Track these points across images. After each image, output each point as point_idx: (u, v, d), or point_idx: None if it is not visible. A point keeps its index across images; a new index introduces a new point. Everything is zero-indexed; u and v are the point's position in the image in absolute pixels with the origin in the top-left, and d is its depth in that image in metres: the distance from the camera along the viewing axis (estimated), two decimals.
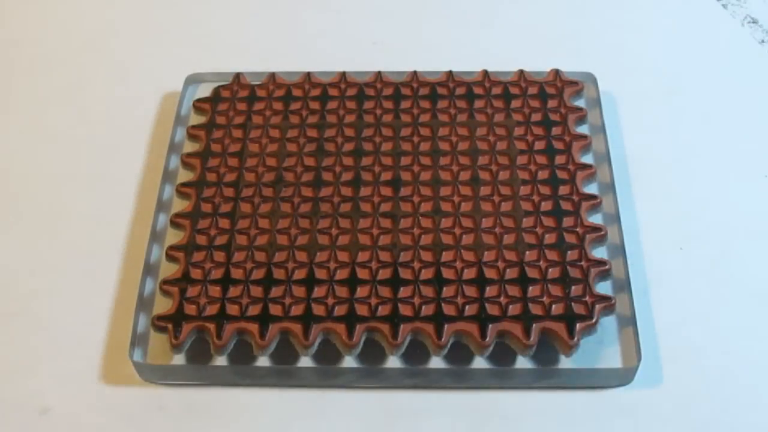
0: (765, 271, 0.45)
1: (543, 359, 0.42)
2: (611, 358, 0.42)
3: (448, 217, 0.45)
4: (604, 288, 0.43)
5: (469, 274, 0.42)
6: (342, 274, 0.43)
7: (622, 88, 0.53)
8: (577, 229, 0.44)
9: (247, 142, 0.48)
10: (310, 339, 0.41)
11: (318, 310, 0.41)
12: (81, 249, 0.47)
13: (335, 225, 0.45)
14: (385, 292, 0.42)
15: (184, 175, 0.48)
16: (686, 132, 0.52)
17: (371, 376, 0.42)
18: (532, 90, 0.50)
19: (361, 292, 0.42)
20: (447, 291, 0.42)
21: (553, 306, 0.41)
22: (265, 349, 0.41)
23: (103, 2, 0.61)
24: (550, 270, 0.42)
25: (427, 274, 0.43)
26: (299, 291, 0.42)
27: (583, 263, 0.43)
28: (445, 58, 0.54)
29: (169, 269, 0.44)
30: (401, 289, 0.42)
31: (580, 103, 0.51)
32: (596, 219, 0.46)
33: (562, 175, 0.46)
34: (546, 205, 0.45)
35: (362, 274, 0.43)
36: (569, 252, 0.43)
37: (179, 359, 0.42)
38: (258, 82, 0.52)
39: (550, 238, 0.44)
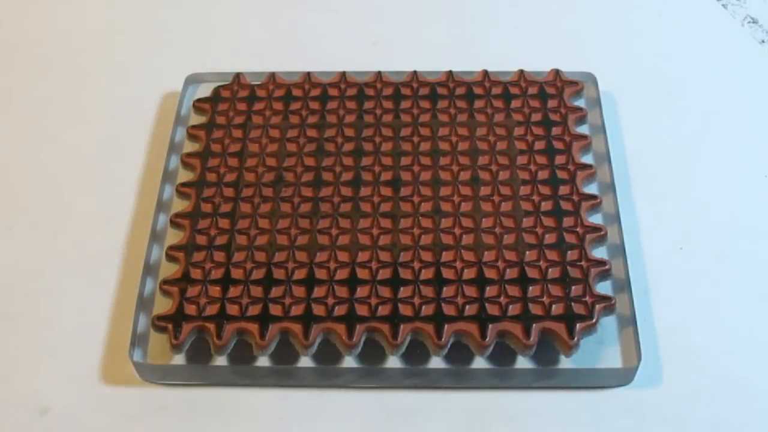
0: (765, 271, 0.45)
1: (543, 359, 0.42)
2: (611, 358, 0.42)
3: (448, 217, 0.45)
4: (604, 288, 0.43)
5: (469, 274, 0.42)
6: (342, 274, 0.43)
7: (622, 88, 0.53)
8: (577, 229, 0.44)
9: (247, 142, 0.48)
10: (310, 339, 0.41)
11: (318, 310, 0.41)
12: (81, 249, 0.47)
13: (335, 225, 0.45)
14: (385, 292, 0.42)
15: (184, 175, 0.48)
16: (686, 132, 0.52)
17: (371, 376, 0.42)
18: (532, 90, 0.50)
19: (361, 292, 0.42)
20: (447, 291, 0.42)
21: (553, 306, 0.41)
22: (265, 349, 0.41)
23: (103, 2, 0.61)
24: (550, 270, 0.42)
25: (427, 274, 0.43)
26: (299, 291, 0.42)
27: (583, 263, 0.43)
28: (445, 58, 0.54)
29: (169, 269, 0.44)
30: (401, 289, 0.42)
31: (580, 103, 0.51)
32: (596, 219, 0.46)
33: (562, 175, 0.46)
34: (546, 205, 0.45)
35: (362, 274, 0.43)
36: (569, 252, 0.43)
37: (179, 359, 0.42)
38: (258, 82, 0.52)
39: (550, 238, 0.44)
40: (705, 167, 0.50)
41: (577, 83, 0.51)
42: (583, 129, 0.50)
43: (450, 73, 0.51)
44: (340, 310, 0.41)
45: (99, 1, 0.61)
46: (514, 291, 0.42)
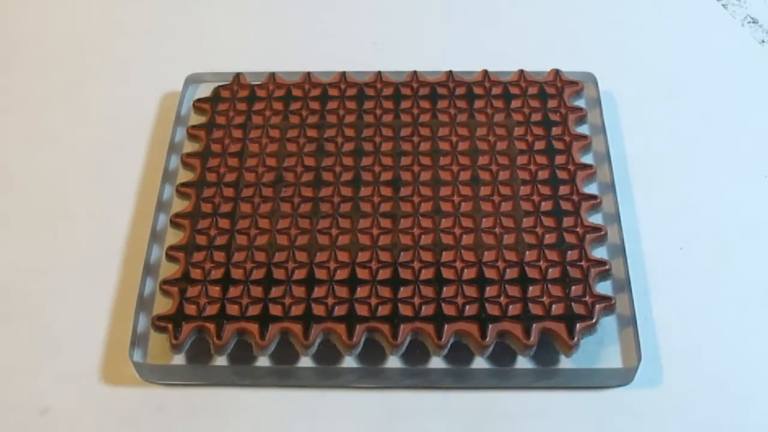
0: (765, 271, 0.45)
1: (543, 359, 0.42)
2: (611, 358, 0.42)
3: (448, 217, 0.45)
4: (604, 288, 0.43)
5: (469, 274, 0.42)
6: (342, 274, 0.43)
7: (622, 88, 0.53)
8: (577, 229, 0.44)
9: (247, 142, 0.48)
10: (310, 339, 0.41)
11: (318, 310, 0.41)
12: (81, 249, 0.47)
13: (335, 225, 0.45)
14: (385, 292, 0.42)
15: (184, 175, 0.48)
16: (686, 132, 0.52)
17: (371, 376, 0.42)
18: (532, 90, 0.50)
19: (361, 292, 0.42)
20: (447, 291, 0.42)
21: (553, 306, 0.41)
22: (265, 349, 0.41)
23: (103, 2, 0.61)
24: (550, 270, 0.42)
25: (427, 274, 0.43)
26: (299, 291, 0.42)
27: (583, 263, 0.43)
28: (445, 58, 0.54)
29: (169, 269, 0.44)
30: (401, 289, 0.42)
31: (580, 103, 0.51)
32: (596, 219, 0.46)
33: (562, 175, 0.46)
34: (546, 205, 0.45)
35: (362, 274, 0.43)
36: (569, 252, 0.43)
37: (179, 359, 0.42)
38: (258, 82, 0.52)
39: (550, 238, 0.44)
40: (705, 167, 0.50)
41: (577, 83, 0.51)
42: (583, 129, 0.50)
43: (450, 73, 0.51)
44: (340, 310, 0.41)
45: (99, 1, 0.61)
46: (514, 291, 0.42)
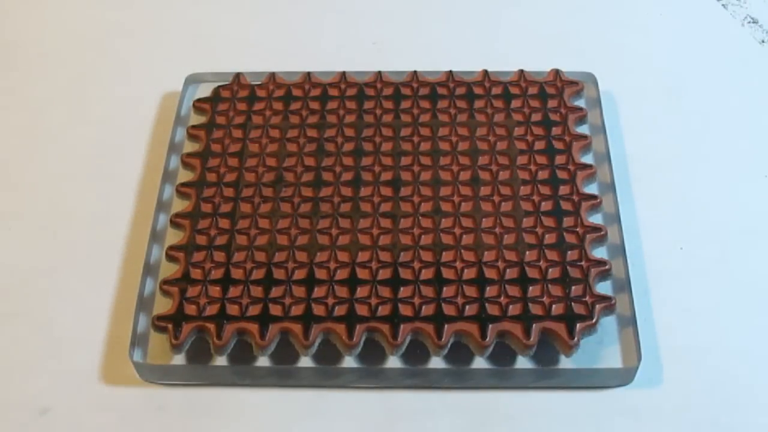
0: (765, 271, 0.45)
1: (543, 359, 0.42)
2: (611, 358, 0.42)
3: (448, 217, 0.45)
4: (604, 288, 0.43)
5: (469, 274, 0.42)
6: (342, 274, 0.43)
7: (622, 88, 0.53)
8: (577, 229, 0.44)
9: (247, 142, 0.48)
10: (310, 339, 0.41)
11: (318, 310, 0.41)
12: (81, 249, 0.47)
13: (335, 225, 0.45)
14: (385, 292, 0.42)
15: (184, 175, 0.48)
16: (686, 132, 0.52)
17: (371, 376, 0.42)
18: (532, 90, 0.50)
19: (361, 292, 0.42)
20: (447, 291, 0.42)
21: (553, 306, 0.41)
22: (265, 349, 0.41)
23: (103, 2, 0.61)
24: (550, 270, 0.42)
25: (427, 274, 0.43)
26: (299, 291, 0.42)
27: (583, 263, 0.43)
28: (445, 58, 0.54)
29: (169, 269, 0.44)
30: (401, 289, 0.42)
31: (580, 103, 0.51)
32: (596, 219, 0.46)
33: (562, 175, 0.46)
34: (546, 205, 0.45)
35: (362, 274, 0.43)
36: (569, 252, 0.43)
37: (179, 359, 0.42)
38: (258, 82, 0.52)
39: (550, 238, 0.44)
40: (705, 167, 0.50)
41: (577, 83, 0.51)
42: (583, 129, 0.50)
43: (450, 73, 0.51)
44: (340, 310, 0.41)
45: (99, 1, 0.61)
46: (514, 291, 0.42)
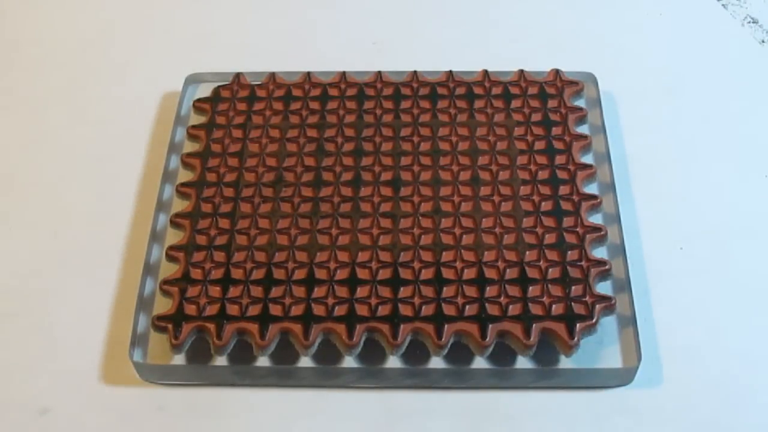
0: (765, 271, 0.45)
1: (543, 359, 0.42)
2: (611, 358, 0.42)
3: (448, 217, 0.45)
4: (604, 288, 0.43)
5: (469, 274, 0.42)
6: (342, 274, 0.43)
7: (622, 88, 0.53)
8: (577, 229, 0.44)
9: (247, 142, 0.48)
10: (310, 339, 0.41)
11: (318, 310, 0.41)
12: (81, 249, 0.47)
13: (335, 225, 0.45)
14: (385, 292, 0.42)
15: (184, 175, 0.48)
16: (686, 132, 0.52)
17: (371, 376, 0.42)
18: (532, 90, 0.50)
19: (361, 292, 0.42)
20: (447, 291, 0.42)
21: (553, 306, 0.41)
22: (265, 349, 0.41)
23: (103, 2, 0.61)
24: (550, 270, 0.42)
25: (427, 274, 0.43)
26: (299, 291, 0.42)
27: (583, 263, 0.43)
28: (445, 58, 0.54)
29: (169, 269, 0.44)
30: (401, 289, 0.42)
31: (580, 103, 0.51)
32: (596, 219, 0.46)
33: (562, 175, 0.46)
34: (546, 205, 0.45)
35: (362, 274, 0.43)
36: (569, 252, 0.43)
37: (179, 359, 0.42)
38: (258, 82, 0.52)
39: (550, 238, 0.44)
40: (705, 167, 0.50)
41: (577, 83, 0.51)
42: (583, 129, 0.50)
43: (450, 73, 0.51)
44: (340, 310, 0.41)
45: (99, 1, 0.61)
46: (514, 291, 0.42)
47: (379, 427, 0.41)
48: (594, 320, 0.41)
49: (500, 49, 0.56)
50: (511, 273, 0.42)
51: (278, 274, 0.43)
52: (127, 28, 0.59)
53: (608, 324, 0.43)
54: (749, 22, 0.58)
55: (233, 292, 0.42)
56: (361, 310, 0.41)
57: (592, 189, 0.47)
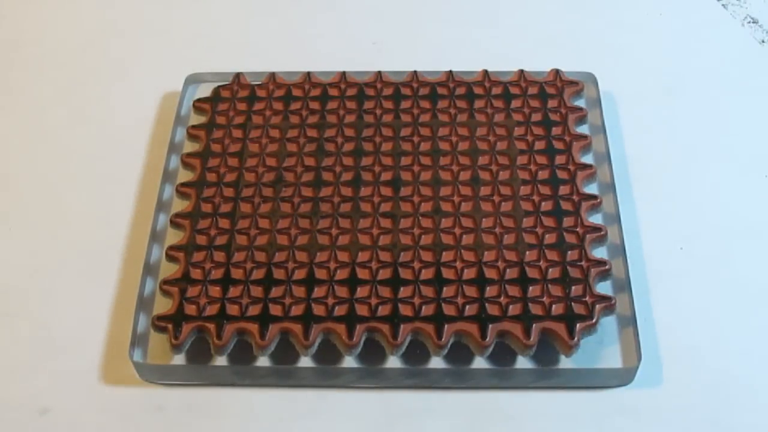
0: (765, 271, 0.45)
1: (543, 359, 0.42)
2: (611, 358, 0.42)
3: (448, 217, 0.45)
4: (604, 288, 0.43)
5: (469, 274, 0.42)
6: (342, 274, 0.43)
7: (622, 88, 0.53)
8: (577, 229, 0.44)
9: (247, 142, 0.48)
10: (310, 339, 0.41)
11: (318, 310, 0.41)
12: (81, 249, 0.47)
13: (335, 225, 0.45)
14: (385, 292, 0.42)
15: (184, 175, 0.48)
16: (686, 132, 0.52)
17: (371, 376, 0.42)
18: (532, 90, 0.50)
19: (361, 292, 0.42)
20: (447, 291, 0.42)
21: (553, 306, 0.41)
22: (265, 349, 0.41)
23: (103, 2, 0.61)
24: (550, 270, 0.42)
25: (427, 274, 0.43)
26: (299, 291, 0.42)
27: (583, 263, 0.43)
28: (445, 58, 0.54)
29: (169, 269, 0.44)
30: (401, 289, 0.42)
31: (580, 103, 0.51)
32: (596, 219, 0.46)
33: (562, 175, 0.46)
34: (546, 205, 0.45)
35: (362, 274, 0.43)
36: (569, 252, 0.43)
37: (179, 359, 0.42)
38: (258, 82, 0.52)
39: (550, 238, 0.44)
40: (705, 167, 0.50)
41: (577, 83, 0.51)
42: (583, 129, 0.50)
43: (450, 73, 0.51)
44: (340, 310, 0.41)
45: (99, 1, 0.61)
46: (514, 291, 0.42)
47: (379, 427, 0.41)
48: (594, 320, 0.41)
49: (500, 49, 0.56)
50: (511, 273, 0.42)
51: (278, 274, 0.43)
52: (127, 28, 0.59)
53: (608, 324, 0.43)
54: (749, 22, 0.58)
55: (233, 292, 0.42)
56: (361, 310, 0.41)
57: (592, 189, 0.47)
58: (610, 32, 0.57)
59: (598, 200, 0.46)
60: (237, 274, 0.43)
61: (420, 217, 0.45)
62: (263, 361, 0.42)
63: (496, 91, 0.50)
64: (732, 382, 0.42)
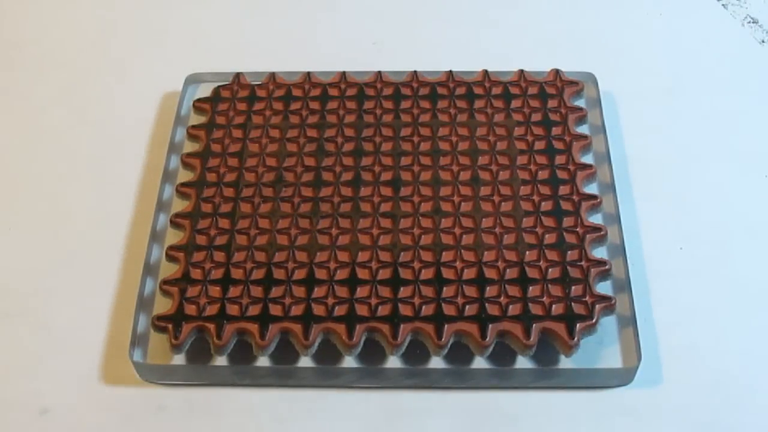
0: (765, 271, 0.45)
1: (543, 359, 0.42)
2: (611, 358, 0.42)
3: (448, 217, 0.45)
4: (604, 288, 0.43)
5: (469, 274, 0.42)
6: (342, 274, 0.43)
7: (622, 88, 0.53)
8: (577, 229, 0.44)
9: (247, 142, 0.48)
10: (310, 339, 0.41)
11: (318, 310, 0.41)
12: (81, 249, 0.47)
13: (335, 225, 0.45)
14: (385, 292, 0.42)
15: (184, 175, 0.48)
16: (686, 132, 0.51)
17: (371, 376, 0.42)
18: (532, 90, 0.50)
19: (361, 292, 0.42)
20: (447, 291, 0.42)
21: (553, 306, 0.41)
22: (265, 349, 0.41)
23: (102, 2, 0.61)
24: (550, 270, 0.42)
25: (427, 274, 0.43)
26: (299, 291, 0.42)
27: (583, 263, 0.43)
28: (445, 58, 0.54)
29: (169, 269, 0.44)
30: (401, 289, 0.42)
31: (580, 103, 0.51)
32: (596, 219, 0.46)
33: (562, 175, 0.46)
34: (546, 205, 0.45)
35: (362, 274, 0.43)
36: (569, 252, 0.43)
37: (179, 359, 0.42)
38: (258, 82, 0.52)
39: (550, 238, 0.44)
40: (705, 167, 0.50)
41: (577, 83, 0.51)
42: (583, 129, 0.50)
43: (450, 73, 0.51)
44: (340, 310, 0.41)
45: (99, 1, 0.61)
46: (514, 291, 0.42)
47: (379, 427, 0.41)
48: (594, 320, 0.41)
49: (500, 49, 0.56)
50: (511, 273, 0.42)
51: (278, 274, 0.43)
52: (127, 28, 0.59)
53: (608, 324, 0.43)
54: (749, 22, 0.58)
55: (233, 292, 0.42)
56: (361, 310, 0.41)
57: (592, 189, 0.47)
58: (610, 32, 0.57)
59: (598, 200, 0.46)
60: (237, 274, 0.43)
61: (420, 217, 0.45)
62: (263, 361, 0.42)
63: (496, 91, 0.50)
64: (732, 382, 0.42)
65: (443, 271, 0.43)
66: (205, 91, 0.53)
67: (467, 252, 0.43)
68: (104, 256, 0.46)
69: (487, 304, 0.41)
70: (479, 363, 0.42)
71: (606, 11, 0.59)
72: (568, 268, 0.42)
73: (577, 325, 0.41)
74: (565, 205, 0.45)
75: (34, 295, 0.45)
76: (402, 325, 0.41)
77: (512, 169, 0.47)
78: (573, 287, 0.42)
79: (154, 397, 0.42)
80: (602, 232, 0.44)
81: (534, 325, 0.41)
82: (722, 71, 0.55)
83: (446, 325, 0.41)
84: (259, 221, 0.45)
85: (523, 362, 0.42)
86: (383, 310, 0.41)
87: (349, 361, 0.42)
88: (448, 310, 0.41)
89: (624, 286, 0.44)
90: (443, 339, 0.40)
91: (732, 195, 0.48)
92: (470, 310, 0.41)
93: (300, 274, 0.43)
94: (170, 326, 0.41)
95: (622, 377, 0.42)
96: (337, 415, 0.41)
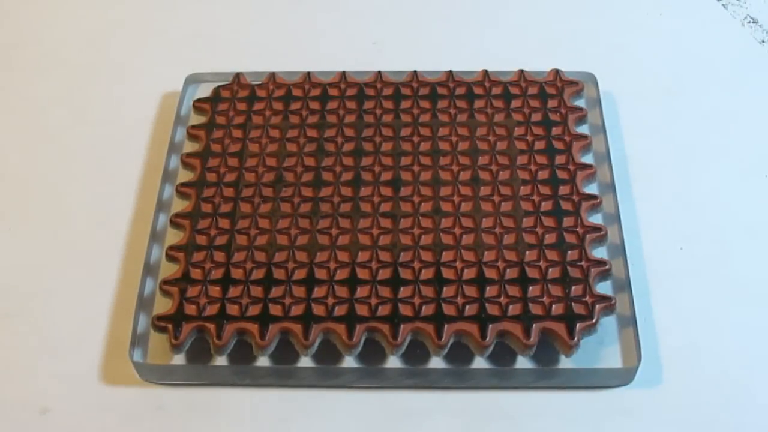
0: (765, 271, 0.45)
1: (543, 359, 0.42)
2: (611, 358, 0.42)
3: (448, 217, 0.45)
4: (604, 288, 0.43)
5: (469, 274, 0.42)
6: (342, 274, 0.43)
7: (622, 88, 0.53)
8: (577, 229, 0.44)
9: (247, 142, 0.48)
10: (310, 339, 0.41)
11: (318, 310, 0.41)
12: (81, 249, 0.47)
13: (335, 225, 0.45)
14: (385, 292, 0.42)
15: (184, 175, 0.48)
16: (686, 132, 0.52)
17: (371, 376, 0.42)
18: (532, 90, 0.50)
19: (361, 292, 0.42)
20: (447, 291, 0.42)
21: (553, 306, 0.41)
22: (265, 349, 0.41)
23: (103, 2, 0.61)
24: (550, 270, 0.42)
25: (427, 274, 0.43)
26: (299, 291, 0.42)
27: (583, 263, 0.43)
28: (445, 58, 0.54)
29: (169, 269, 0.44)
30: (401, 289, 0.42)
31: (580, 103, 0.51)
32: (596, 219, 0.46)
33: (562, 175, 0.46)
34: (546, 205, 0.45)
35: (362, 274, 0.43)
36: (569, 252, 0.43)
37: (179, 359, 0.42)
38: (258, 82, 0.52)
39: (550, 238, 0.44)
40: (705, 167, 0.50)
41: (577, 83, 0.51)
42: (583, 129, 0.50)
43: (450, 73, 0.51)
44: (340, 310, 0.41)
45: (99, 1, 0.61)
46: (514, 291, 0.42)
47: (379, 427, 0.41)
48: (594, 320, 0.41)
49: (500, 49, 0.56)
50: (511, 273, 0.42)
51: (278, 274, 0.43)
52: (127, 28, 0.59)
53: (608, 324, 0.43)
54: (749, 22, 0.58)
55: (233, 292, 0.42)
56: (361, 310, 0.41)
57: (592, 189, 0.47)
58: (610, 32, 0.57)
59: (598, 200, 0.46)
60: (237, 274, 0.43)
61: (420, 217, 0.45)
62: (263, 361, 0.42)
63: (496, 91, 0.50)
64: (732, 382, 0.42)
65: (443, 271, 0.43)
66: (205, 91, 0.53)
67: (467, 252, 0.43)
68: (104, 256, 0.46)
69: (487, 304, 0.41)
70: (479, 363, 0.42)
71: (606, 11, 0.59)
72: (568, 268, 0.43)
73: (577, 325, 0.41)
74: (565, 205, 0.45)
75: (34, 295, 0.45)
76: (402, 325, 0.41)
77: (512, 169, 0.47)
78: (573, 287, 0.42)
79: (154, 397, 0.42)
80: (602, 232, 0.44)
81: (534, 325, 0.41)
82: (722, 71, 0.55)
83: (446, 325, 0.41)
84: (259, 221, 0.45)
85: (523, 362, 0.42)
86: (383, 310, 0.41)
87: (349, 361, 0.42)
88: (448, 310, 0.41)
89: (624, 286, 0.44)
90: (443, 339, 0.40)
91: (732, 195, 0.48)
92: (470, 310, 0.41)
93: (300, 274, 0.43)
94: (170, 326, 0.41)
95: (622, 377, 0.42)
96: (337, 415, 0.41)
